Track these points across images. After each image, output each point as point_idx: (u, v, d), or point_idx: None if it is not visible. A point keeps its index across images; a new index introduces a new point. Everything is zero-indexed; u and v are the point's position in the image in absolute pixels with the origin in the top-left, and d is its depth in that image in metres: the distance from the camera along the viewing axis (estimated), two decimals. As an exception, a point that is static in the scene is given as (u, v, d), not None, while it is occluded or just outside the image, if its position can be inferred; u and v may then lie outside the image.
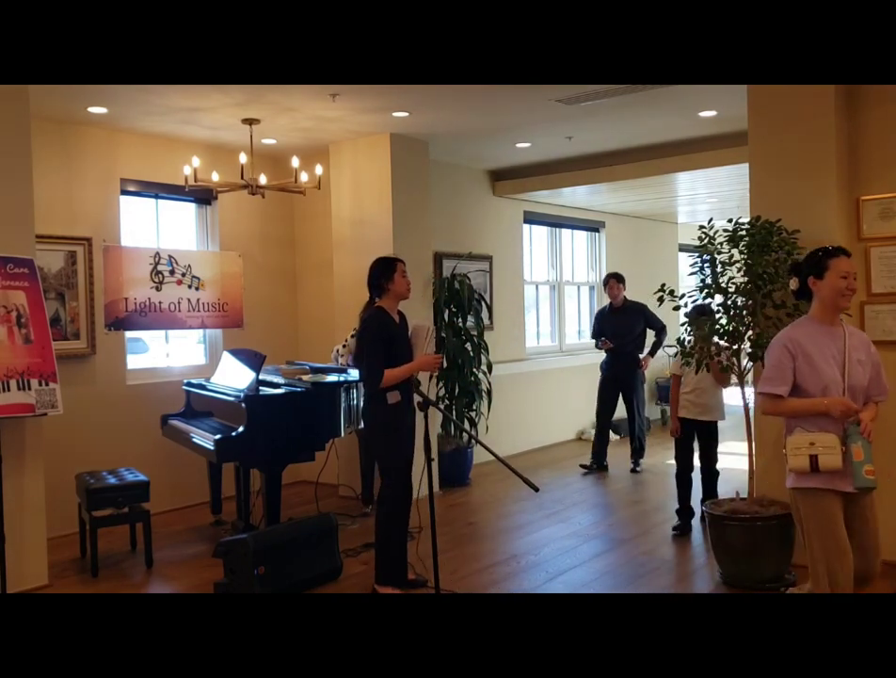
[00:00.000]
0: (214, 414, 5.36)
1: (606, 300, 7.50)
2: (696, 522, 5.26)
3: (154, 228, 6.36)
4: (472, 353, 6.86)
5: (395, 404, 4.06)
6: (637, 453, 7.26)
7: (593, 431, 7.53)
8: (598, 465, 7.22)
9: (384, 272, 4.10)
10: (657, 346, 7.29)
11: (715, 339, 4.30)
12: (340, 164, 6.50)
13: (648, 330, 7.24)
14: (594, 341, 7.47)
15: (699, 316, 4.42)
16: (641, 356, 7.22)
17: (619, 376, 7.18)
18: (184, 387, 5.79)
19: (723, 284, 4.27)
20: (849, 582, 2.83)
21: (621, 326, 7.14)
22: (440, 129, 6.13)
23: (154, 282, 6.05)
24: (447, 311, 6.86)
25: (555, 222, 8.99)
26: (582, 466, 7.21)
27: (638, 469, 7.16)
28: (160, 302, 6.07)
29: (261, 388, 4.96)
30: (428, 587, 4.13)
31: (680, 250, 10.98)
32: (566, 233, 9.27)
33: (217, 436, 4.70)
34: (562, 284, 9.18)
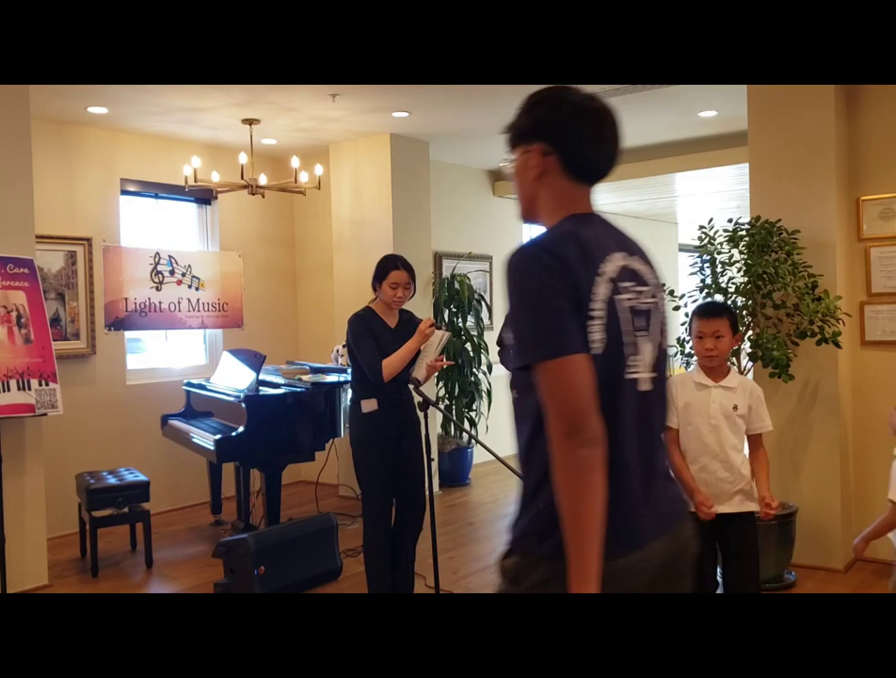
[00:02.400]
0: (214, 414, 5.36)
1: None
2: None
3: (154, 228, 6.36)
4: (472, 353, 6.86)
5: (370, 414, 3.65)
6: None
7: None
8: None
9: (377, 274, 3.83)
10: None
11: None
12: (340, 164, 6.50)
13: None
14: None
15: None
16: None
17: None
18: (184, 387, 5.79)
19: (723, 285, 4.27)
20: None
21: None
22: (440, 129, 6.13)
23: (154, 283, 6.05)
24: (447, 311, 6.87)
25: (555, 222, 9.00)
26: None
27: None
28: (160, 302, 6.07)
29: (261, 388, 4.96)
30: (428, 587, 4.13)
31: (680, 250, 10.98)
32: (566, 233, 9.28)
33: (217, 436, 4.70)
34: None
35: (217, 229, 6.63)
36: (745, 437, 3.06)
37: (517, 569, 1.56)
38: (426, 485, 3.72)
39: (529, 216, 1.65)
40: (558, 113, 1.58)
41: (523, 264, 1.46)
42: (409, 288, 3.82)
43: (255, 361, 5.10)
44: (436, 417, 6.51)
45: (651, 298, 1.57)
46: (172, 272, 6.17)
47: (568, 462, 1.39)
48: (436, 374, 5.72)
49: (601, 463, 1.40)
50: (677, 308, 4.38)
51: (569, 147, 1.58)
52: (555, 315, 1.41)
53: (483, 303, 7.17)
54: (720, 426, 2.98)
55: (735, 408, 2.98)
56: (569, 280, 1.42)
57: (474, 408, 6.93)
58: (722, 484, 2.98)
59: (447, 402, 6.85)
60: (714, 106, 5.64)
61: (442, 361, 3.80)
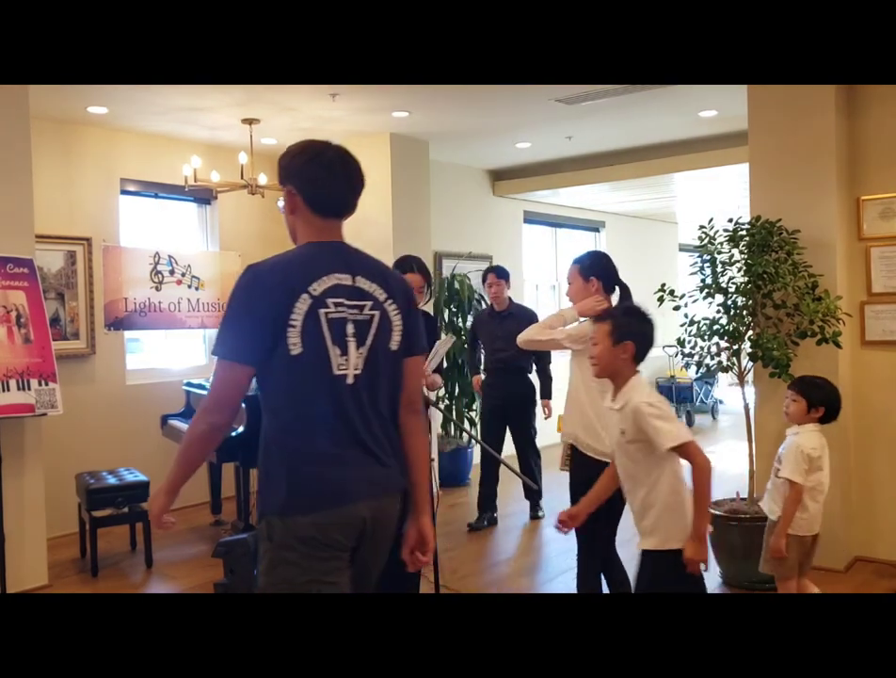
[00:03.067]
0: (214, 414, 5.35)
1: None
2: None
3: (154, 228, 6.35)
4: (471, 353, 6.85)
5: None
6: (535, 494, 5.81)
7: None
8: (488, 520, 5.60)
9: None
10: (547, 380, 5.64)
11: (716, 339, 4.30)
12: (340, 164, 6.49)
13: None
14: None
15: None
16: (537, 394, 5.68)
17: (507, 399, 5.56)
18: (184, 387, 5.79)
19: (723, 284, 4.27)
20: None
21: (504, 334, 5.20)
22: (440, 129, 6.12)
23: (154, 282, 6.05)
24: (447, 311, 6.86)
25: (555, 222, 9.00)
26: (469, 526, 5.57)
27: (541, 514, 5.77)
28: (160, 302, 6.06)
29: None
30: (430, 582, 4.13)
31: (680, 250, 10.98)
32: (566, 233, 9.28)
33: (217, 436, 4.70)
34: (562, 284, 9.19)
35: (217, 229, 6.63)
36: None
37: (266, 529, 1.91)
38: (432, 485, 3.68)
39: (294, 242, 2.06)
40: (297, 162, 2.00)
41: (238, 279, 1.90)
42: (423, 292, 3.68)
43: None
44: (436, 417, 6.51)
45: (373, 310, 1.97)
46: (172, 272, 6.16)
47: (193, 427, 1.92)
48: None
49: (211, 443, 1.94)
50: (677, 308, 4.38)
51: (307, 189, 1.98)
52: (239, 326, 1.86)
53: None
54: (616, 454, 2.58)
55: (623, 433, 2.50)
56: (264, 298, 1.84)
57: (474, 408, 6.92)
58: (633, 519, 2.59)
59: (447, 402, 6.85)
60: (714, 106, 5.64)
61: (429, 378, 3.57)
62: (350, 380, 1.92)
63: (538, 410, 5.74)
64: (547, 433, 6.31)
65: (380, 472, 1.98)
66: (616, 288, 3.29)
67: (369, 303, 1.96)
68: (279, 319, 1.84)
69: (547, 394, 5.66)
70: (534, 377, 5.67)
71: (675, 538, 2.41)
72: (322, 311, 1.88)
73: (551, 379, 5.65)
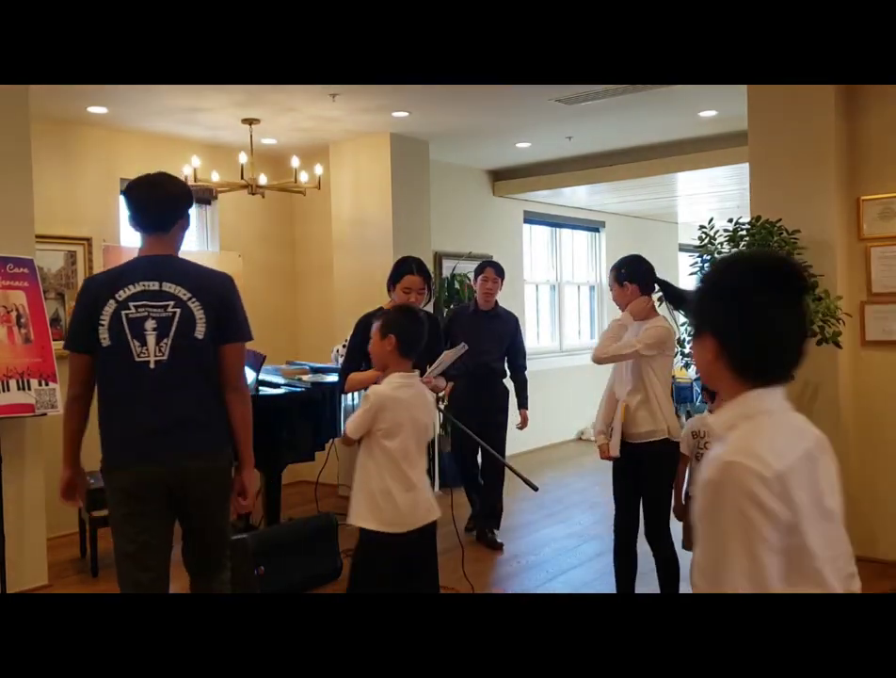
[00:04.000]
0: (214, 414, 5.34)
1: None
2: None
3: (154, 228, 6.35)
4: (472, 353, 6.84)
5: None
6: (492, 518, 5.24)
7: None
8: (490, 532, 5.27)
9: (392, 276, 3.66)
10: (525, 386, 5.20)
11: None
12: (340, 164, 6.50)
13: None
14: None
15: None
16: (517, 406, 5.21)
17: (486, 409, 5.04)
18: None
19: (723, 284, 4.26)
20: None
21: (491, 335, 4.99)
22: (440, 129, 6.12)
23: (154, 282, 6.05)
24: (447, 311, 6.86)
25: (555, 222, 9.00)
26: (467, 529, 5.46)
27: (498, 540, 5.15)
28: (160, 302, 6.06)
29: (261, 388, 4.96)
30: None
31: (680, 250, 10.97)
32: (566, 233, 9.27)
33: (217, 436, 4.70)
34: (562, 284, 9.19)
35: (217, 229, 6.63)
36: None
37: (103, 479, 2.52)
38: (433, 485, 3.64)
39: None
40: (125, 191, 2.65)
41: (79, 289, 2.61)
42: (423, 293, 3.61)
43: (255, 361, 5.10)
44: (436, 417, 6.50)
45: (175, 308, 2.47)
46: (172, 272, 6.16)
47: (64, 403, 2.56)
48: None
49: (75, 409, 2.53)
50: (677, 308, 4.37)
51: (129, 212, 2.61)
52: (73, 326, 2.56)
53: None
54: None
55: None
56: (87, 302, 2.50)
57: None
58: None
59: (447, 402, 6.84)
60: (714, 106, 5.64)
61: (431, 381, 3.43)
62: (152, 365, 2.44)
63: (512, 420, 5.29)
64: (510, 445, 5.64)
65: (183, 436, 2.45)
66: (656, 286, 3.49)
67: (171, 303, 2.46)
68: (94, 319, 2.43)
69: (524, 402, 5.20)
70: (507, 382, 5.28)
71: (357, 515, 2.77)
72: (124, 312, 2.44)
73: (527, 384, 5.22)
